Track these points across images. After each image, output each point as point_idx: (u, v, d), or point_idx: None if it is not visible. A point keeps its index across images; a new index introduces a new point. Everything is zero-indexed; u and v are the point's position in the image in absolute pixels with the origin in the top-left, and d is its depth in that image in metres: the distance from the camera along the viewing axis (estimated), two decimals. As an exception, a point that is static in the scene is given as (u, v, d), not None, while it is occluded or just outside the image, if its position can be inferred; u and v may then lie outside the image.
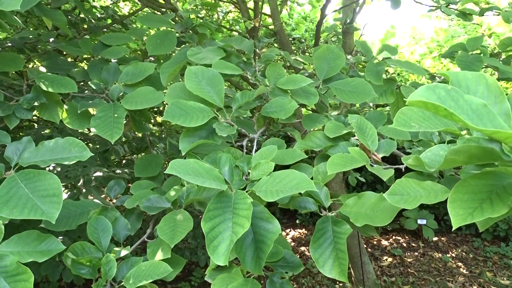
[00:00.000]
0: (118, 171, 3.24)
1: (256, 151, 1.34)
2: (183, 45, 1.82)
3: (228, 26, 5.88)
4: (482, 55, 1.77)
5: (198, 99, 1.31)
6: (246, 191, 1.10)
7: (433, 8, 2.23)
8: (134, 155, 4.04)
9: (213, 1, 4.77)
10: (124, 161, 3.98)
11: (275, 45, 5.83)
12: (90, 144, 3.26)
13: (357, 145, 1.35)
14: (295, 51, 6.67)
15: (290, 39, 6.74)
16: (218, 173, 1.11)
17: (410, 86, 1.61)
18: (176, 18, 2.05)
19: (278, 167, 1.30)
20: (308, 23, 7.15)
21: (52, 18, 1.56)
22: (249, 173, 1.22)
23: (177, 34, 1.81)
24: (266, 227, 1.06)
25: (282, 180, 1.08)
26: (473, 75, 0.83)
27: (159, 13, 2.49)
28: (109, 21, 3.76)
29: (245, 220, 0.96)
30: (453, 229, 0.66)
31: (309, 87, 1.46)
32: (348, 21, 3.20)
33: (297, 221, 6.21)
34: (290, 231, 6.00)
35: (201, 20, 1.88)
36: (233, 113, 1.33)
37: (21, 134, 3.09)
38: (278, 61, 4.39)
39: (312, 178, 1.30)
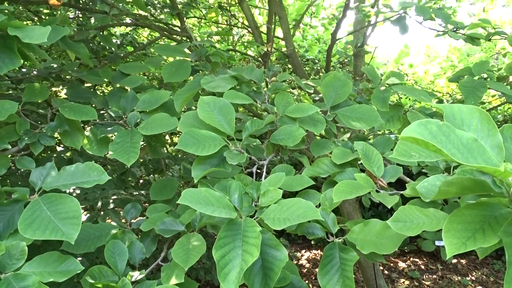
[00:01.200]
0: (135, 192, 3.32)
1: (265, 176, 1.39)
2: (197, 73, 1.91)
3: (242, 49, 6.04)
4: (488, 79, 1.80)
5: (210, 127, 1.38)
6: (255, 219, 1.15)
7: (440, 33, 2.28)
8: (151, 175, 4.14)
9: (226, 27, 4.92)
10: (141, 181, 4.08)
11: (288, 66, 5.93)
12: (108, 166, 3.37)
13: (364, 171, 1.39)
14: (308, 72, 6.76)
15: (304, 60, 6.84)
16: (228, 201, 1.17)
17: (417, 112, 1.64)
18: (191, 47, 2.16)
19: (287, 193, 1.35)
20: (321, 44, 7.26)
21: (75, 51, 1.67)
22: (258, 199, 1.27)
23: (191, 63, 1.90)
24: (274, 255, 1.10)
25: (289, 208, 1.12)
26: (467, 108, 0.87)
27: (175, 42, 2.61)
28: (129, 48, 3.93)
29: (255, 248, 1.01)
30: (446, 258, 0.69)
31: (317, 114, 1.52)
32: (359, 44, 3.27)
33: (312, 242, 6.17)
34: (305, 251, 5.96)
35: (214, 49, 1.97)
36: (243, 141, 1.40)
37: (43, 155, 3.22)
38: (290, 83, 4.46)
39: (320, 204, 1.34)
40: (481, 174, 0.78)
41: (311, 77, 6.63)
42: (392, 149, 1.54)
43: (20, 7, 3.12)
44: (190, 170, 1.78)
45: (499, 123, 4.85)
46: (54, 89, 3.45)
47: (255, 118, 2.26)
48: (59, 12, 1.99)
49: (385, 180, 1.33)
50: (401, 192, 1.29)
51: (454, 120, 0.87)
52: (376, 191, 1.28)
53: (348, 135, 1.81)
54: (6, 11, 1.43)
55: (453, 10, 5.85)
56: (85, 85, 2.52)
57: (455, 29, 2.25)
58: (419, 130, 0.73)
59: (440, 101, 1.98)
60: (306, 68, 6.82)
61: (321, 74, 6.71)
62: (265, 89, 2.03)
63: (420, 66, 7.60)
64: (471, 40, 2.17)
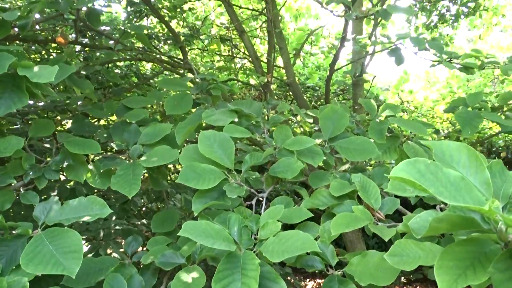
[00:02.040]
0: (137, 222, 3.33)
1: (265, 209, 1.41)
2: (198, 106, 1.96)
3: (244, 77, 6.16)
4: (483, 109, 1.84)
5: (210, 161, 1.41)
6: (254, 251, 1.17)
7: (435, 63, 2.34)
8: (153, 203, 4.16)
9: (228, 57, 5.04)
10: (144, 209, 4.09)
11: (289, 93, 6.02)
12: (111, 195, 3.39)
13: (362, 203, 1.41)
14: (309, 98, 6.85)
15: (305, 87, 6.95)
16: (227, 234, 1.19)
17: (413, 144, 1.68)
18: (193, 80, 2.22)
19: (288, 225, 1.37)
20: (321, 71, 7.39)
21: (81, 87, 1.73)
22: (257, 231, 1.28)
23: (192, 96, 1.96)
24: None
25: (288, 241, 1.14)
26: (455, 145, 0.91)
27: (177, 75, 2.69)
28: (133, 78, 4.03)
29: (253, 281, 1.02)
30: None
31: (315, 147, 1.55)
32: (357, 74, 3.34)
33: (316, 270, 6.06)
34: (309, 281, 5.87)
35: (215, 82, 2.03)
36: (243, 174, 1.43)
37: (46, 184, 3.24)
38: (290, 109, 4.53)
39: (319, 236, 1.36)
40: (470, 210, 0.80)
41: (312, 103, 6.72)
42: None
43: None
44: (191, 201, 1.81)
45: (500, 148, 4.87)
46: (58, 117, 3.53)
47: (254, 146, 2.30)
48: (66, 47, 2.07)
49: (382, 212, 1.35)
50: (399, 224, 1.30)
51: (443, 157, 0.90)
52: (374, 223, 1.29)
53: (346, 165, 1.84)
54: (16, 51, 1.50)
55: (450, 37, 5.99)
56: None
57: (449, 59, 2.31)
58: (407, 169, 0.76)
59: (437, 131, 2.02)
60: (307, 95, 6.92)
61: (322, 100, 6.80)
62: (266, 117, 2.08)
63: (420, 91, 7.70)
64: (465, 69, 2.22)
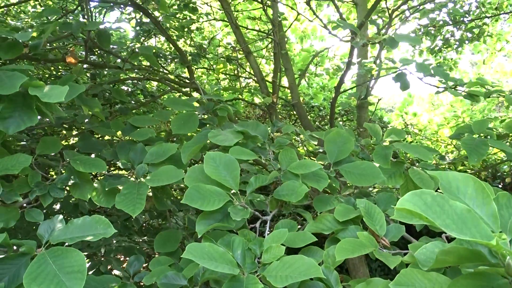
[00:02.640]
0: (138, 239, 3.31)
1: (269, 232, 1.41)
2: (205, 126, 1.98)
3: (249, 96, 6.21)
4: (488, 137, 1.84)
5: (215, 182, 1.41)
6: (258, 275, 1.16)
7: (440, 90, 2.36)
8: (154, 219, 4.14)
9: (233, 77, 5.10)
10: (145, 225, 4.08)
11: (294, 112, 6.05)
12: (114, 211, 3.39)
13: (366, 228, 1.40)
14: (314, 118, 6.88)
15: (310, 107, 6.99)
16: (231, 257, 1.18)
17: (418, 169, 1.68)
18: (203, 100, 2.25)
19: (290, 249, 1.36)
20: (326, 92, 7.44)
21: (90, 106, 1.76)
22: (261, 255, 1.28)
23: (199, 116, 1.98)
24: (275, 313, 1.10)
25: (292, 266, 1.14)
26: (462, 176, 0.91)
27: (184, 95, 2.72)
28: (140, 95, 4.07)
29: (256, 305, 1.01)
30: (445, 330, 0.70)
31: (320, 170, 1.55)
32: (362, 96, 3.36)
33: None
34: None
35: (222, 103, 2.05)
36: (247, 196, 1.43)
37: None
38: (293, 133, 4.54)
39: (322, 262, 1.35)
40: (477, 243, 0.80)
41: (316, 123, 6.74)
42: (393, 206, 1.55)
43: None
44: (194, 221, 1.80)
45: (505, 174, 4.84)
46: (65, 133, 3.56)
47: (258, 166, 2.30)
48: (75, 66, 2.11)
49: (387, 239, 1.34)
50: (404, 252, 1.29)
51: (450, 188, 0.90)
52: (379, 250, 1.28)
53: (351, 189, 1.83)
54: (27, 70, 1.53)
55: (454, 61, 6.04)
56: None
57: (454, 86, 2.33)
58: (414, 200, 0.76)
59: (442, 157, 2.02)
60: (311, 115, 6.95)
61: (326, 120, 6.83)
62: (271, 136, 2.09)
63: (424, 114, 7.71)
64: (470, 97, 2.24)
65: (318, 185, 1.50)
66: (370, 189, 2.41)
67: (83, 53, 3.20)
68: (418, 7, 3.91)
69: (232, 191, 1.42)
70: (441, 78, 2.31)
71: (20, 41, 1.71)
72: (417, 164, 1.88)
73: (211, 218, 1.38)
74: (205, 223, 1.36)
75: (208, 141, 1.77)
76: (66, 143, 3.13)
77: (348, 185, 1.88)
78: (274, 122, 2.00)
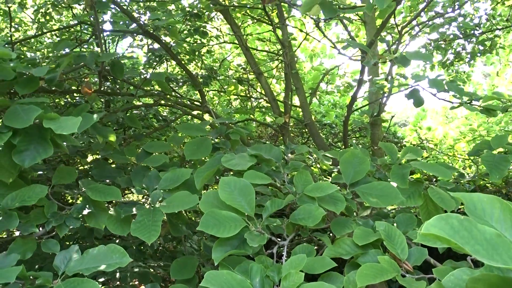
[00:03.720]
0: (154, 264, 3.28)
1: (286, 258, 1.37)
2: (218, 151, 1.97)
3: (260, 115, 6.23)
4: (509, 153, 1.79)
5: (230, 208, 1.39)
6: (277, 305, 1.13)
7: (455, 106, 2.32)
8: (169, 243, 4.13)
9: (245, 97, 5.12)
10: (160, 248, 4.05)
11: (306, 130, 6.04)
12: (129, 236, 3.38)
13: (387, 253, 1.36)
14: (326, 135, 6.84)
15: (322, 124, 6.96)
16: (249, 285, 1.16)
17: (438, 188, 1.63)
18: (215, 124, 2.25)
19: (309, 275, 1.32)
20: (338, 109, 7.42)
21: (104, 135, 1.77)
22: (279, 282, 1.24)
23: (212, 141, 1.98)
24: None
25: (312, 294, 1.10)
26: (488, 198, 0.87)
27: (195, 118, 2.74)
28: (152, 119, 4.12)
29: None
30: None
31: (336, 193, 1.52)
32: (375, 114, 3.33)
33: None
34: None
35: (234, 127, 2.05)
36: (264, 222, 1.40)
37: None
38: (307, 153, 4.51)
39: (343, 288, 1.30)
40: (509, 270, 0.76)
41: (329, 140, 6.69)
42: (415, 228, 1.51)
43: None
44: (210, 247, 1.78)
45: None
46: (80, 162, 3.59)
47: (272, 188, 2.27)
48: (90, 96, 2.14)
49: (410, 263, 1.29)
50: (427, 276, 1.24)
51: (475, 211, 0.86)
52: (402, 275, 1.24)
53: (368, 211, 1.79)
54: (42, 103, 1.56)
55: (467, 74, 5.98)
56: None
57: (469, 101, 2.28)
58: (440, 225, 0.73)
59: (461, 175, 1.96)
60: (324, 132, 6.92)
61: (339, 136, 6.78)
62: (284, 161, 2.07)
63: (439, 127, 7.60)
64: (487, 111, 2.19)
65: (335, 208, 1.46)
66: (388, 208, 2.36)
67: (97, 79, 3.27)
68: (427, 22, 3.91)
69: (247, 216, 1.40)
70: (456, 93, 2.28)
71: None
72: (433, 180, 1.83)
73: (228, 245, 1.35)
74: (221, 250, 1.33)
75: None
76: (82, 167, 3.16)
77: (366, 205, 1.84)
78: (288, 144, 1.98)
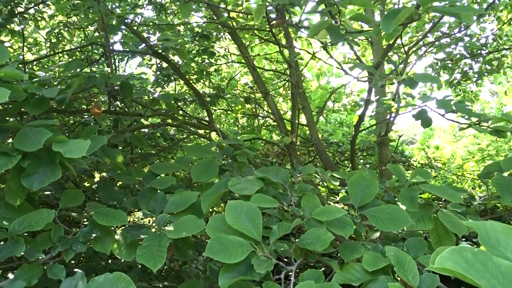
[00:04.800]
0: (159, 284, 3.25)
1: (294, 284, 1.35)
2: (224, 173, 1.97)
3: (267, 134, 6.23)
4: (520, 175, 1.76)
5: (237, 232, 1.38)
6: (284, 335, 1.10)
7: (464, 126, 2.30)
8: (174, 262, 4.09)
9: (251, 115, 5.14)
10: (165, 267, 4.01)
11: (312, 148, 6.03)
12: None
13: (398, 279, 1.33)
14: (333, 153, 6.81)
15: (329, 143, 6.94)
16: (256, 314, 1.13)
17: (448, 212, 1.60)
18: (222, 144, 2.25)
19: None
20: (344, 127, 7.40)
21: (112, 157, 1.78)
22: (287, 310, 1.21)
23: (218, 162, 1.97)
24: None
25: (321, 324, 1.07)
26: (501, 227, 0.85)
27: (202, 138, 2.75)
28: (160, 138, 4.14)
29: None
30: None
31: (345, 216, 1.50)
32: (382, 133, 3.32)
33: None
34: None
35: (241, 147, 2.05)
36: (271, 246, 1.38)
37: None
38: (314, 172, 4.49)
39: (352, 316, 1.27)
40: (526, 305, 0.73)
41: (336, 159, 6.66)
42: (426, 253, 1.47)
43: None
44: (215, 271, 1.75)
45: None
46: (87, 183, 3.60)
47: (280, 208, 2.25)
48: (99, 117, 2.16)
49: (421, 291, 1.25)
50: (440, 305, 1.21)
51: (489, 240, 0.84)
52: (413, 303, 1.20)
53: (377, 234, 1.76)
54: (52, 125, 1.57)
55: (475, 93, 5.95)
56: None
57: (478, 122, 2.27)
58: (453, 258, 0.71)
59: (472, 197, 1.93)
60: (330, 150, 6.89)
61: (346, 154, 6.74)
62: (292, 181, 2.05)
63: (447, 146, 7.55)
64: (497, 133, 2.17)
65: (344, 232, 1.44)
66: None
67: (106, 98, 3.31)
68: (434, 42, 3.92)
69: (254, 241, 1.38)
70: (464, 114, 2.26)
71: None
72: (443, 199, 1.80)
73: (234, 271, 1.33)
74: (228, 276, 1.31)
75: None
76: (88, 184, 3.17)
77: (374, 228, 1.81)
78: (295, 166, 1.97)
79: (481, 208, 2.38)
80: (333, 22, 1.71)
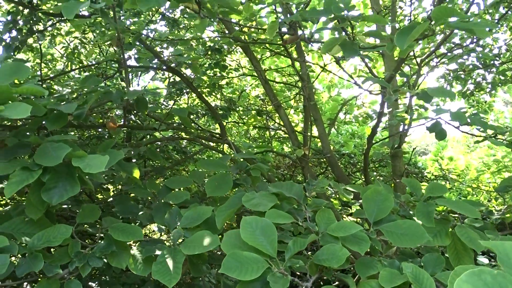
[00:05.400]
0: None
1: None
2: (238, 187, 1.98)
3: (278, 146, 6.23)
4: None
5: (252, 248, 1.38)
6: None
7: (480, 139, 2.28)
8: (186, 274, 4.08)
9: (262, 127, 5.16)
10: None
11: (324, 159, 6.02)
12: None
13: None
14: (345, 165, 6.77)
15: (340, 154, 6.91)
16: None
17: (466, 227, 1.58)
18: (236, 158, 2.27)
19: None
20: (356, 139, 7.36)
21: (127, 171, 1.81)
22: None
23: (232, 176, 1.98)
24: None
25: None
26: (521, 247, 0.84)
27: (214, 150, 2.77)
28: (173, 151, 4.18)
29: None
30: None
31: (360, 232, 1.49)
32: (395, 145, 3.29)
33: None
34: None
35: (255, 162, 2.06)
36: (286, 263, 1.38)
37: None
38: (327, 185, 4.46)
39: (369, 334, 1.25)
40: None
41: (348, 170, 6.61)
42: (444, 269, 1.45)
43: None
44: (229, 286, 1.75)
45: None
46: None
47: (294, 223, 2.24)
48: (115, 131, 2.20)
49: (440, 309, 1.24)
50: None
51: (509, 260, 0.83)
52: (431, 322, 1.19)
53: (394, 249, 1.74)
54: (71, 140, 1.60)
55: (489, 104, 5.89)
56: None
57: (494, 135, 2.24)
58: (472, 281, 0.71)
59: (490, 212, 1.90)
60: (342, 161, 6.85)
61: (358, 166, 6.70)
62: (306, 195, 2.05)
63: (461, 157, 7.44)
64: (513, 145, 2.15)
65: (360, 248, 1.43)
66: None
67: (118, 111, 3.37)
68: (446, 53, 3.91)
69: (270, 257, 1.38)
70: (480, 127, 2.24)
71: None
72: (458, 214, 1.77)
73: None
74: (243, 293, 1.31)
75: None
76: (102, 196, 3.21)
77: (390, 244, 1.79)
78: (309, 180, 1.97)
79: (499, 221, 2.34)
80: (346, 37, 1.73)
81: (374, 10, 3.44)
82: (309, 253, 2.55)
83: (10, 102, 1.43)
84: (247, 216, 1.46)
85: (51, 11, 2.71)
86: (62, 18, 3.20)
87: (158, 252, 1.57)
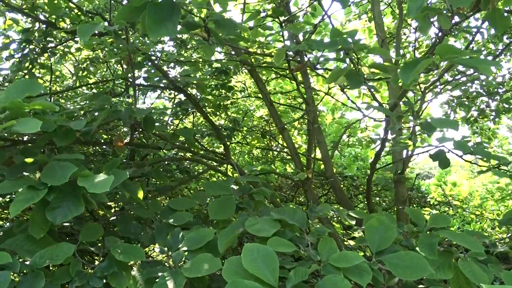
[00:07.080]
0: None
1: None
2: (241, 210, 1.98)
3: (281, 166, 6.23)
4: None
5: (253, 276, 1.38)
6: None
7: (483, 170, 2.28)
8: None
9: (265, 148, 5.16)
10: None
11: (326, 181, 6.00)
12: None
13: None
14: (347, 187, 6.74)
15: (343, 176, 6.89)
16: None
17: (469, 261, 1.57)
18: (239, 181, 2.27)
19: None
20: (359, 161, 7.36)
21: (131, 191, 1.82)
22: None
23: (235, 200, 1.99)
24: None
25: None
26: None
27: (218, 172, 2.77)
28: (176, 170, 4.18)
29: None
30: None
31: (363, 263, 1.49)
32: (398, 171, 3.29)
33: None
34: None
35: (258, 185, 2.06)
36: (288, 292, 1.37)
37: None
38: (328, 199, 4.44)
39: None
40: None
41: (350, 193, 6.59)
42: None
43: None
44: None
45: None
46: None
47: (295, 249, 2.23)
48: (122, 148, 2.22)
49: None
50: None
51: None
52: None
53: (396, 280, 1.73)
54: (77, 159, 1.62)
55: (492, 131, 5.89)
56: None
57: (498, 165, 2.25)
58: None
59: (493, 245, 1.89)
60: (345, 183, 6.83)
61: (360, 189, 6.67)
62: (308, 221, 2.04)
63: (464, 182, 7.40)
64: (516, 177, 2.15)
65: (361, 280, 1.42)
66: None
67: (124, 128, 3.39)
68: (450, 80, 3.94)
69: (270, 287, 1.37)
70: (483, 157, 2.24)
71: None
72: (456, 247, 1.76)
73: (251, 317, 1.32)
74: (244, 322, 1.30)
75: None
76: (103, 213, 3.20)
77: (392, 275, 1.77)
78: (311, 207, 1.97)
79: (503, 254, 2.32)
80: (352, 67, 1.76)
81: (379, 37, 3.49)
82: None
83: (21, 117, 1.45)
84: (249, 244, 1.45)
85: (66, 29, 2.78)
86: (74, 37, 3.27)
87: (159, 274, 1.57)
